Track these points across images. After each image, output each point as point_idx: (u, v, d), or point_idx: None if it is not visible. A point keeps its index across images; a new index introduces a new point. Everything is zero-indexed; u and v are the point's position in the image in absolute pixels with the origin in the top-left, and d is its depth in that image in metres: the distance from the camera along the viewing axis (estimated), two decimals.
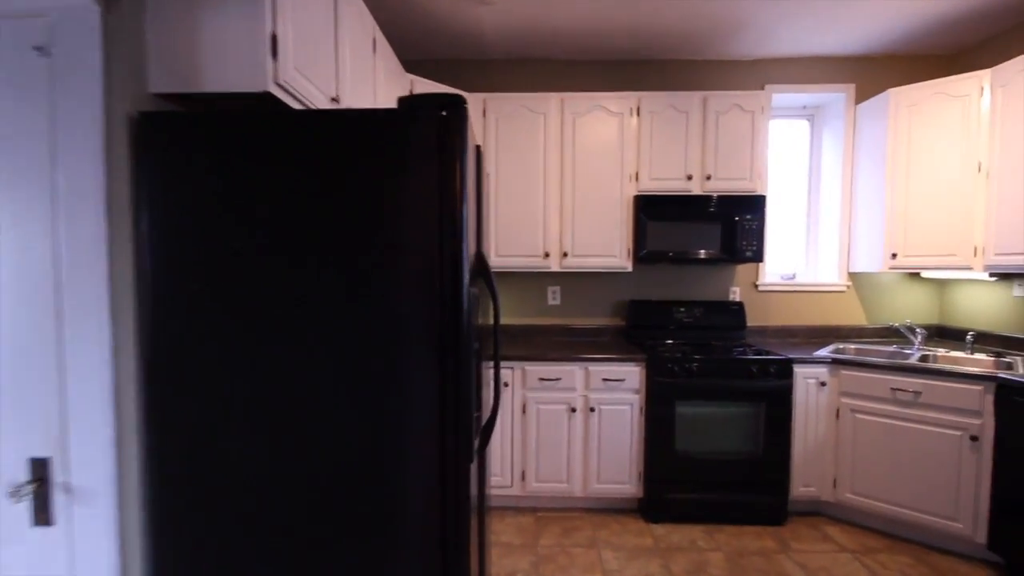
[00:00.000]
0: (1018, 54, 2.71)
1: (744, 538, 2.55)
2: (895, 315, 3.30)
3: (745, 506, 2.66)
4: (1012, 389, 2.16)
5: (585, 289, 3.33)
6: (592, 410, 2.72)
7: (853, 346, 3.03)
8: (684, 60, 3.26)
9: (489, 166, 2.95)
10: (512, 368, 2.74)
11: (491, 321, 1.72)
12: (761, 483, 2.66)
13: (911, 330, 2.92)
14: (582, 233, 2.97)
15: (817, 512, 2.79)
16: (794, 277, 3.48)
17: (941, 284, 3.27)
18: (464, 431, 1.21)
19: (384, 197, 1.16)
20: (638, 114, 2.93)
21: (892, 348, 2.94)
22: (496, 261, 2.98)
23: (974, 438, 2.28)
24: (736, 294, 3.32)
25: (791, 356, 2.68)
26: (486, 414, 1.65)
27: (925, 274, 3.18)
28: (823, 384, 2.69)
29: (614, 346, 3.00)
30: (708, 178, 2.94)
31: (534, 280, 3.33)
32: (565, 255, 2.98)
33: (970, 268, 2.68)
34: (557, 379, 2.72)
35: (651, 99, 2.92)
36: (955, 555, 2.37)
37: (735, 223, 2.89)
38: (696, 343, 3.07)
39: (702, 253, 2.90)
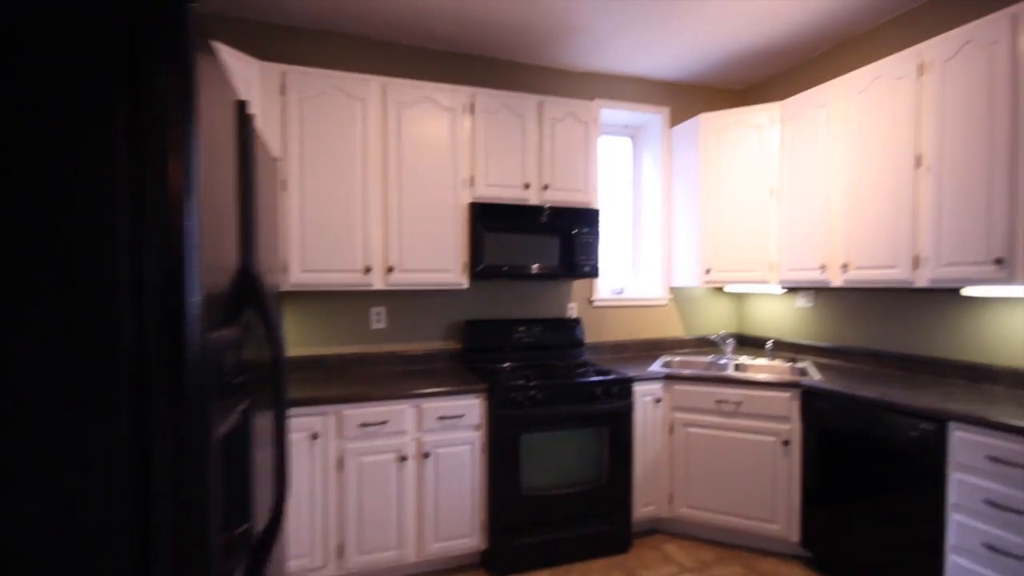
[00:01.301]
0: (801, 90, 3.10)
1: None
2: (706, 326, 3.55)
3: (592, 539, 2.49)
4: (813, 394, 2.34)
5: (416, 309, 2.89)
6: (427, 455, 2.28)
7: (678, 358, 3.14)
8: (518, 63, 3.07)
9: (291, 159, 2.34)
10: (325, 414, 2.15)
11: (276, 363, 1.19)
12: (606, 511, 2.51)
13: (723, 340, 3.13)
14: (411, 244, 2.54)
15: (656, 530, 2.76)
16: (623, 292, 3.53)
17: (739, 296, 3.62)
18: None
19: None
20: (472, 112, 2.62)
21: (709, 359, 3.10)
22: (304, 278, 2.36)
23: (785, 442, 2.43)
24: (573, 310, 3.22)
25: (631, 375, 2.61)
26: (265, 510, 1.11)
27: (728, 288, 3.47)
28: (658, 400, 2.67)
29: (451, 374, 2.61)
30: (545, 188, 2.76)
31: (354, 300, 2.77)
32: (391, 270, 2.50)
33: (767, 282, 2.94)
34: (383, 423, 2.22)
35: (486, 97, 2.64)
36: (778, 556, 2.50)
37: (573, 236, 2.75)
38: (537, 365, 2.86)
39: (542, 268, 2.70)
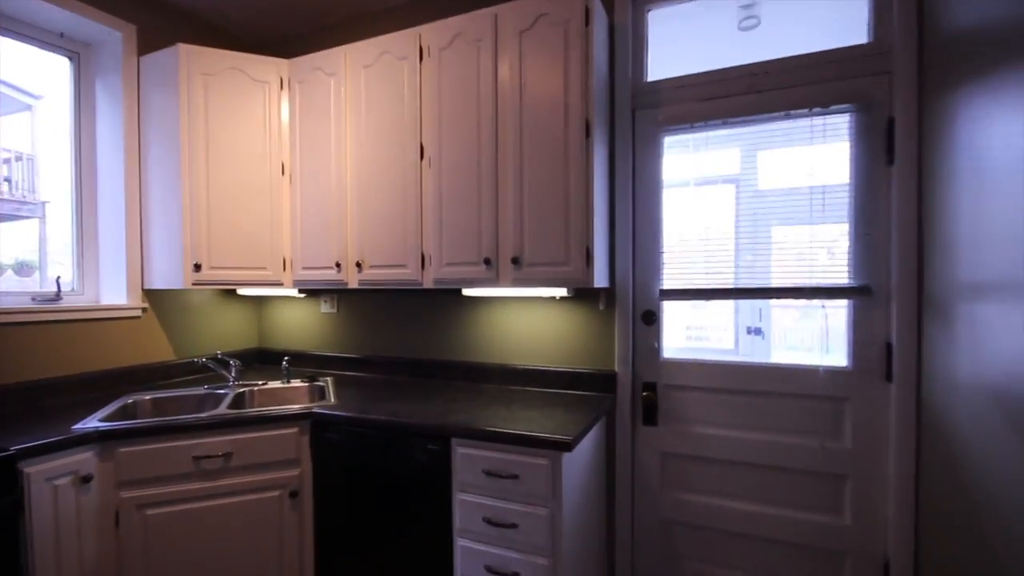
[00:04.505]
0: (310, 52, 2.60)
1: None
2: (211, 343, 2.63)
3: None
4: (323, 424, 1.85)
5: None
6: None
7: (149, 396, 2.11)
8: None
9: None
10: None
11: None
12: None
13: (224, 363, 2.31)
14: None
15: None
16: (59, 298, 2.18)
17: (259, 302, 2.88)
18: None
19: None
20: None
21: (204, 390, 2.21)
22: None
23: (294, 493, 1.84)
24: None
25: (14, 447, 1.43)
26: None
27: (241, 291, 2.69)
28: (87, 479, 1.59)
29: None
30: None
31: None
32: None
33: (281, 284, 2.33)
34: None
35: None
36: None
37: None
38: None
39: None
